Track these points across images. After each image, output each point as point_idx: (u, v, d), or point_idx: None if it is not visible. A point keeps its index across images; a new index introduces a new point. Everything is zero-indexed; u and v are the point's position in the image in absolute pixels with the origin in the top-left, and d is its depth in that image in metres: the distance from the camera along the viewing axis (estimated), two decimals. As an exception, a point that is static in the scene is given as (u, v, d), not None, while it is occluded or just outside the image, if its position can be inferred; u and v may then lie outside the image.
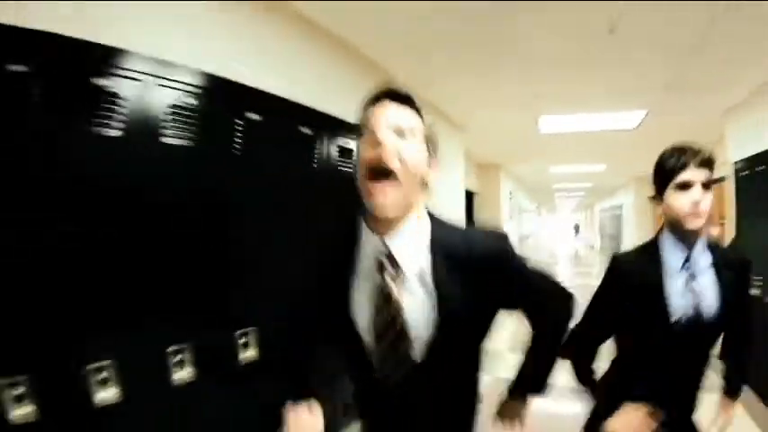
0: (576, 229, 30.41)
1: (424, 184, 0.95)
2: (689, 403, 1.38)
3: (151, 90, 1.63)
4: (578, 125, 5.21)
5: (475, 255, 0.92)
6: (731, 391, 1.50)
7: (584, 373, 1.47)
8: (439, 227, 0.96)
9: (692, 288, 1.29)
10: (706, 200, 1.25)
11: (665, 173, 1.31)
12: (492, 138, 6.26)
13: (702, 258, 1.32)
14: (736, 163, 3.94)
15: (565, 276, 12.18)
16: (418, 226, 0.94)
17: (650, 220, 9.96)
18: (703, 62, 3.14)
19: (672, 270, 1.32)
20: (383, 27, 2.69)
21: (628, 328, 1.39)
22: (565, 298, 1.18)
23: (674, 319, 1.28)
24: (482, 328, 1.00)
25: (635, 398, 1.36)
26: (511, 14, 2.51)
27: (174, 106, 1.70)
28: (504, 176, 9.21)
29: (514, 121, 5.26)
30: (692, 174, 1.25)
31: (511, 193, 10.43)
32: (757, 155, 3.51)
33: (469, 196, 7.44)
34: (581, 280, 10.79)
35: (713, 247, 1.36)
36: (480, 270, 0.91)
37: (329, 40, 2.76)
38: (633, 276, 1.36)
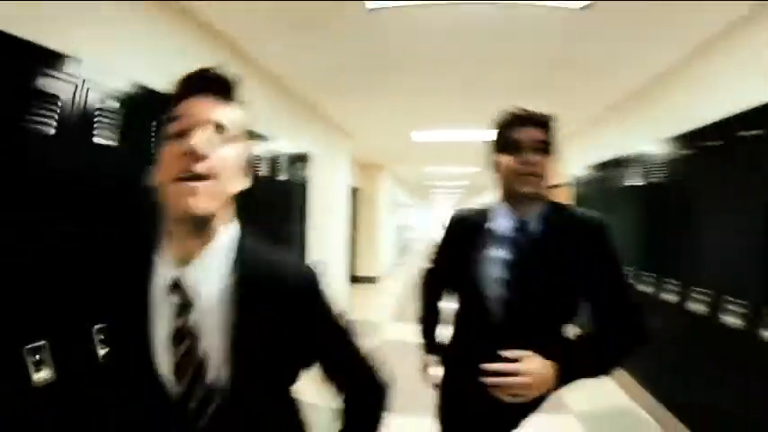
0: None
1: (233, 192, 0.80)
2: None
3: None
4: (450, 137, 5.99)
5: (281, 284, 0.80)
6: (561, 372, 1.11)
7: (427, 310, 1.55)
8: (248, 245, 0.83)
9: (518, 255, 1.20)
10: (539, 161, 1.17)
11: (497, 134, 1.25)
12: (374, 143, 6.94)
13: (537, 227, 1.22)
14: (576, 172, 5.17)
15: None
16: (222, 242, 0.80)
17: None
18: (551, 92, 3.95)
19: (497, 237, 1.25)
20: (291, 50, 3.16)
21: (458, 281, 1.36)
22: (376, 388, 0.94)
23: (488, 289, 1.22)
24: (286, 369, 0.84)
25: (458, 357, 1.36)
26: (392, 50, 3.13)
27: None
28: (384, 175, 9.98)
29: (393, 132, 6.00)
30: (522, 132, 1.18)
31: (390, 191, 11.32)
32: (592, 166, 4.69)
33: (353, 192, 8.11)
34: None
35: (558, 212, 1.24)
36: (283, 302, 0.79)
37: (231, 52, 2.99)
38: (462, 234, 1.33)
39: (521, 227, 1.22)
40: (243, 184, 0.82)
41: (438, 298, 1.55)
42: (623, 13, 2.43)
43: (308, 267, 0.86)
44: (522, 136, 1.18)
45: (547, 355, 1.11)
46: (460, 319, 1.38)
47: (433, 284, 1.54)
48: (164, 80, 2.00)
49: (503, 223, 1.25)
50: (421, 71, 3.53)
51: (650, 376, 3.27)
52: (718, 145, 2.55)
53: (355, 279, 8.52)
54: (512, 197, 1.24)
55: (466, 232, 1.32)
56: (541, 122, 1.19)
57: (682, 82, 3.11)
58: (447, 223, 1.43)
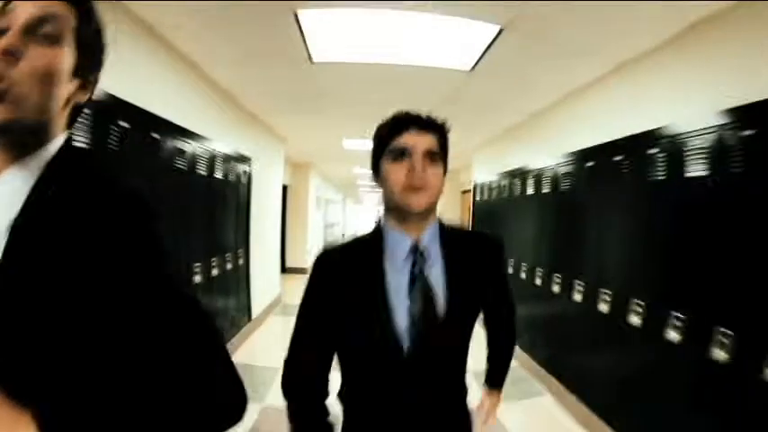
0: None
1: (56, 103, 0.62)
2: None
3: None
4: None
5: (82, 232, 0.59)
6: (494, 383, 1.39)
7: (307, 420, 1.07)
8: (59, 168, 0.63)
9: (422, 287, 1.02)
10: (432, 173, 1.00)
11: (380, 140, 1.06)
12: (306, 147, 7.65)
13: (434, 248, 1.06)
14: (477, 183, 6.24)
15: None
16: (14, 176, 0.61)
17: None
18: (458, 113, 4.70)
19: (395, 266, 1.04)
20: (243, 72, 3.81)
21: (344, 344, 1.07)
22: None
23: (401, 325, 0.99)
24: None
25: None
26: (330, 85, 3.89)
27: None
28: (313, 173, 10.62)
29: (327, 141, 6.80)
30: (411, 138, 1.00)
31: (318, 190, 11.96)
32: (495, 175, 5.55)
33: (284, 189, 8.74)
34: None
35: (449, 231, 1.11)
36: (83, 253, 0.58)
37: (188, 66, 3.41)
38: (344, 274, 1.04)
39: (417, 251, 1.04)
40: (53, 106, 0.62)
41: (322, 403, 1.09)
42: (502, 75, 3.39)
43: (131, 203, 0.65)
44: (413, 143, 1.00)
45: (454, 393, 1.10)
46: (361, 388, 1.07)
47: (312, 383, 1.09)
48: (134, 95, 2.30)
49: (395, 250, 1.05)
50: (352, 100, 4.36)
51: (529, 342, 4.28)
52: (594, 165, 3.26)
53: (286, 269, 9.17)
54: (401, 215, 1.04)
55: (348, 272, 1.04)
56: (434, 128, 1.03)
57: (562, 115, 3.96)
58: (315, 269, 1.07)
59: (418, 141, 1.00)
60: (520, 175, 4.69)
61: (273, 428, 3.15)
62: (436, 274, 1.05)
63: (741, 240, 1.97)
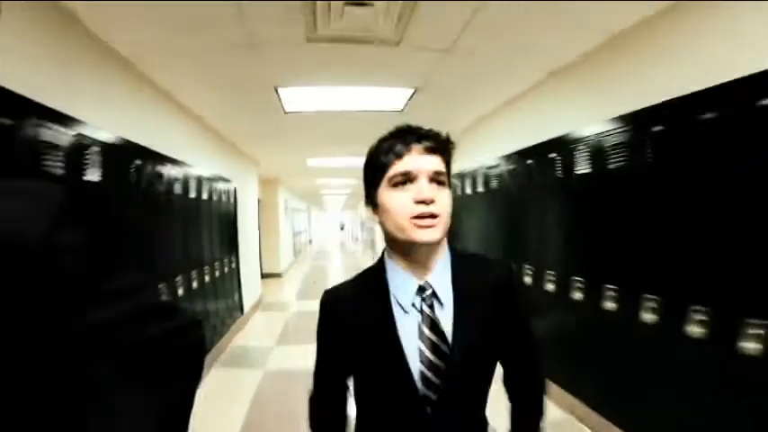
0: (342, 227, 35.24)
1: None
2: None
3: None
4: (336, 163, 8.04)
5: None
6: None
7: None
8: None
9: (433, 327, 0.90)
10: (440, 198, 0.86)
11: (378, 165, 0.91)
12: (276, 167, 8.78)
13: (444, 284, 0.93)
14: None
15: (334, 260, 15.94)
16: None
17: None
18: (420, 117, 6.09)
19: (403, 307, 0.92)
20: (223, 109, 4.92)
21: (359, 384, 0.99)
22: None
23: (414, 369, 0.89)
24: None
25: None
26: (297, 123, 5.06)
27: None
28: (281, 188, 11.71)
29: (294, 161, 7.94)
30: (415, 161, 0.86)
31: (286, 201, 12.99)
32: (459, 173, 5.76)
33: (257, 202, 9.78)
34: (348, 261, 14.77)
35: (461, 260, 0.98)
36: None
37: (178, 108, 4.61)
38: (350, 316, 0.95)
39: (426, 289, 0.92)
40: None
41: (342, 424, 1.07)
42: (426, 111, 4.62)
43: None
44: (413, 164, 0.86)
45: None
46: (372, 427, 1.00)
47: (331, 411, 1.06)
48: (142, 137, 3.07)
49: (402, 286, 0.93)
50: (314, 134, 5.55)
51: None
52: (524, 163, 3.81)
53: (263, 275, 10.21)
54: (405, 250, 0.92)
55: (355, 315, 0.94)
56: (438, 145, 0.90)
57: (495, 125, 4.76)
58: (323, 312, 0.99)
59: (423, 163, 0.87)
60: (459, 177, 5.58)
61: (275, 388, 4.07)
62: (446, 315, 0.92)
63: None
